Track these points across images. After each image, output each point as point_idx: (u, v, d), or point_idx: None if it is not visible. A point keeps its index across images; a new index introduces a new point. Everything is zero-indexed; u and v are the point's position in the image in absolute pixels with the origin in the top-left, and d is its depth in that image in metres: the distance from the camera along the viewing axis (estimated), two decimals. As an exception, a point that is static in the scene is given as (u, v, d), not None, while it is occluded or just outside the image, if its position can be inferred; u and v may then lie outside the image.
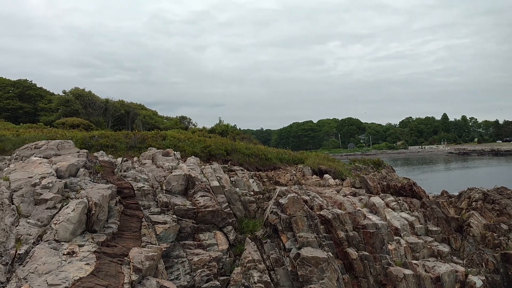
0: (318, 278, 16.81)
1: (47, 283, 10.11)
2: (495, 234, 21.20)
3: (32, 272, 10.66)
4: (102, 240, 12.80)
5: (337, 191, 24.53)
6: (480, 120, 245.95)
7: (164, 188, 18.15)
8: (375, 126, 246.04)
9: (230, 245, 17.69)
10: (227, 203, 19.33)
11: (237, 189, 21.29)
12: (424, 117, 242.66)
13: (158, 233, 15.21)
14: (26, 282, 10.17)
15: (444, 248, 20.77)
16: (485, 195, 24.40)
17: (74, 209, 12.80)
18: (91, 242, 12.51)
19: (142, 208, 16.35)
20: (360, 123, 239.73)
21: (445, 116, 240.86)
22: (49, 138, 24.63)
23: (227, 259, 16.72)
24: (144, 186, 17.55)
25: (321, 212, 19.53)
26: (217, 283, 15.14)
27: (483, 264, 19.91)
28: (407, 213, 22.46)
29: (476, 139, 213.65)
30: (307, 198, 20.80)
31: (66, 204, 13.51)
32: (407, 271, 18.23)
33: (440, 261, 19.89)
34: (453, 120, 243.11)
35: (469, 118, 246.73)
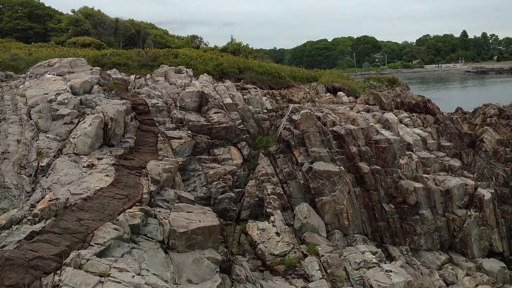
0: (330, 191, 17.32)
1: (70, 192, 10.59)
2: (507, 149, 21.27)
3: (55, 183, 11.15)
4: (119, 153, 13.19)
5: (350, 108, 24.47)
6: (501, 37, 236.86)
7: (178, 105, 18.28)
8: (391, 44, 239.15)
9: (244, 160, 18.10)
10: (240, 120, 19.49)
11: (250, 107, 21.33)
12: (442, 35, 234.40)
13: (174, 147, 15.57)
14: (50, 191, 10.67)
15: (456, 163, 21.01)
16: (500, 111, 24.15)
17: (90, 123, 13.07)
18: (109, 155, 12.91)
19: (157, 124, 16.61)
20: (376, 42, 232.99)
21: (464, 34, 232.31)
22: (61, 56, 24.52)
23: (242, 172, 17.20)
24: (158, 103, 17.69)
25: (334, 128, 19.65)
26: (232, 194, 15.72)
27: (493, 178, 20.21)
28: (420, 129, 22.49)
29: (495, 57, 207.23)
30: (320, 114, 20.84)
31: (82, 120, 13.78)
32: (418, 184, 18.63)
33: (451, 175, 20.21)
34: (472, 37, 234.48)
35: (490, 35, 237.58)
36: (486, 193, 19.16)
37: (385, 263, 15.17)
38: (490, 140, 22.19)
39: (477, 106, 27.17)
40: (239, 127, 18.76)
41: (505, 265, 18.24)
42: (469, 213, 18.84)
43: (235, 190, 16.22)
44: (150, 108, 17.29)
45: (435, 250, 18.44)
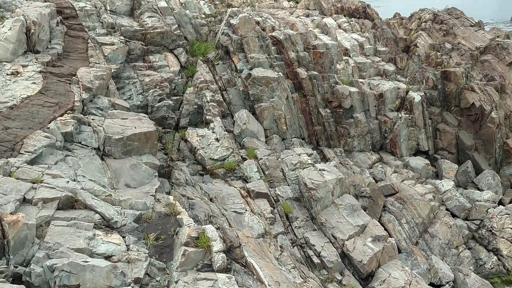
0: (269, 97, 17.55)
1: (-6, 101, 10.05)
2: (438, 53, 22.11)
3: (-23, 92, 10.49)
4: (46, 60, 12.49)
5: (290, 13, 24.08)
6: None
7: (108, 9, 17.21)
8: None
9: (182, 67, 17.73)
10: (177, 25, 18.75)
11: (187, 11, 20.45)
12: None
13: (106, 54, 14.91)
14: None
15: (390, 68, 21.67)
16: (435, 15, 24.69)
17: (11, 27, 12.13)
18: (35, 62, 12.21)
19: (86, 29, 15.67)
20: None
21: None
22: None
23: (179, 80, 16.92)
24: (86, 6, 16.55)
25: (273, 33, 19.40)
26: (170, 102, 15.58)
27: (424, 81, 21.15)
28: (358, 34, 22.70)
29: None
30: (259, 19, 20.39)
31: (1, 24, 12.72)
32: (353, 89, 19.20)
33: (385, 80, 20.92)
34: None
35: None
36: (416, 96, 20.14)
37: (320, 163, 15.99)
38: (423, 45, 22.89)
39: (414, 11, 27.56)
40: (175, 32, 18.10)
41: (429, 162, 19.83)
42: (400, 115, 19.88)
43: (173, 98, 16.06)
44: (78, 12, 16.16)
45: (367, 151, 19.60)
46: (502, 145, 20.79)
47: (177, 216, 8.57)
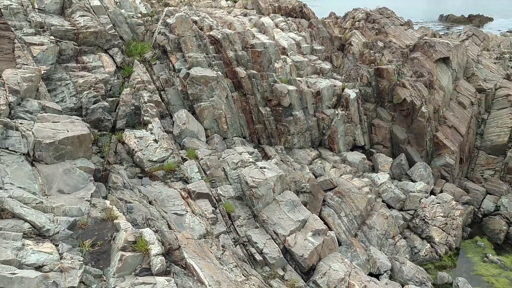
0: (208, 96, 17.49)
1: None
2: (371, 51, 22.98)
3: None
4: (-32, 62, 11.70)
5: (228, 13, 24.10)
6: None
7: (37, 7, 16.41)
8: None
9: (118, 68, 17.26)
10: (111, 25, 18.21)
11: (123, 10, 19.90)
12: None
13: (35, 55, 14.21)
14: None
15: (326, 66, 22.25)
16: (367, 15, 25.62)
17: None
18: (-45, 64, 11.41)
19: (12, 29, 14.86)
20: None
21: None
22: None
23: (115, 81, 16.47)
24: (11, 4, 15.67)
25: (211, 33, 19.34)
26: (106, 104, 15.13)
27: (358, 78, 21.90)
28: (295, 33, 23.11)
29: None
30: (196, 18, 20.25)
31: None
32: (291, 87, 19.54)
33: (322, 78, 21.46)
34: None
35: None
36: (352, 93, 20.83)
37: (261, 161, 16.15)
38: (357, 43, 23.69)
39: (348, 10, 28.45)
40: (110, 32, 17.58)
41: (365, 156, 20.58)
42: (337, 112, 20.48)
43: (108, 100, 15.60)
44: (2, 10, 15.29)
45: (307, 148, 20.03)
46: (432, 138, 21.95)
47: (114, 221, 8.36)
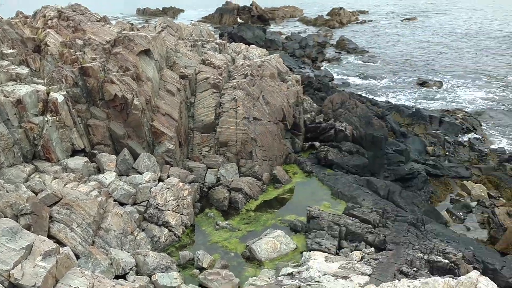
0: None
1: None
2: (71, 50, 21.86)
3: None
4: None
5: None
6: None
7: None
8: None
9: None
10: None
11: None
12: None
13: None
14: None
15: (23, 70, 20.11)
16: (60, 12, 24.16)
17: None
18: None
19: None
20: None
21: None
22: None
23: None
24: None
25: None
26: None
27: (63, 80, 20.58)
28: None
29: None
30: None
31: None
32: (-17, 100, 16.91)
33: (20, 84, 19.32)
34: None
35: None
36: (59, 96, 19.46)
37: None
38: (54, 43, 22.18)
39: (37, 8, 26.28)
40: None
41: (88, 159, 19.74)
42: (46, 119, 18.86)
43: None
44: None
45: (19, 164, 17.90)
46: (150, 128, 22.60)
47: None
